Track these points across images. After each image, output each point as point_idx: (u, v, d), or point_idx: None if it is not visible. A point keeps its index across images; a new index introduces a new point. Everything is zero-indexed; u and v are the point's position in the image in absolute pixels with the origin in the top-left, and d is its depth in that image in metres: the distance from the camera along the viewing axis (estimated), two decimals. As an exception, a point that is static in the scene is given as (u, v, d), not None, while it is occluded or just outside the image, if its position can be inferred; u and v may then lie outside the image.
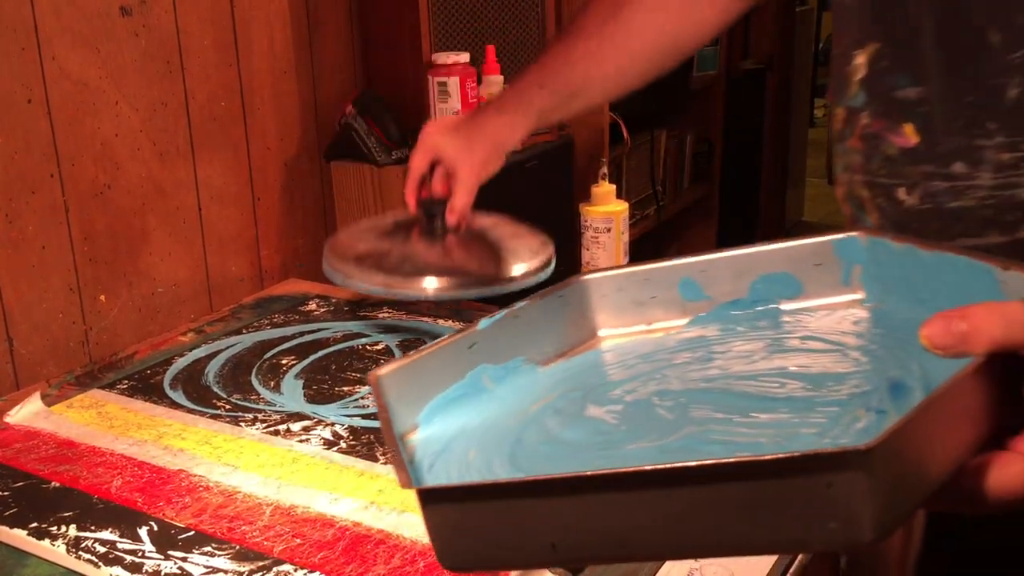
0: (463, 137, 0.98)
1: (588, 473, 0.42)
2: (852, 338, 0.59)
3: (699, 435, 0.52)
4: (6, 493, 0.82)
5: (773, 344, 0.60)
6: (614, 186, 1.29)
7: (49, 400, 1.01)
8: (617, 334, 0.67)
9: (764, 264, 0.63)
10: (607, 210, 1.24)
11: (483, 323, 0.61)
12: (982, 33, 0.59)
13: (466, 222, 1.02)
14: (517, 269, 0.97)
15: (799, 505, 0.38)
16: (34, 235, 1.12)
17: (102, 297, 1.21)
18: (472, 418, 0.59)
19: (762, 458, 0.37)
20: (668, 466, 0.39)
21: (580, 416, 0.58)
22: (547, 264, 0.99)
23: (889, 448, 0.36)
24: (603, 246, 1.23)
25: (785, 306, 0.63)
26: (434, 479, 0.53)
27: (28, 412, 0.98)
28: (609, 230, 1.23)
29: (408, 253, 0.99)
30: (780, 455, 0.37)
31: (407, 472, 0.48)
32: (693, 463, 0.38)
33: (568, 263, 1.62)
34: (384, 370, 0.57)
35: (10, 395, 1.05)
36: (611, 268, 0.67)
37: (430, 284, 0.93)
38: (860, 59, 0.67)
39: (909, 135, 0.64)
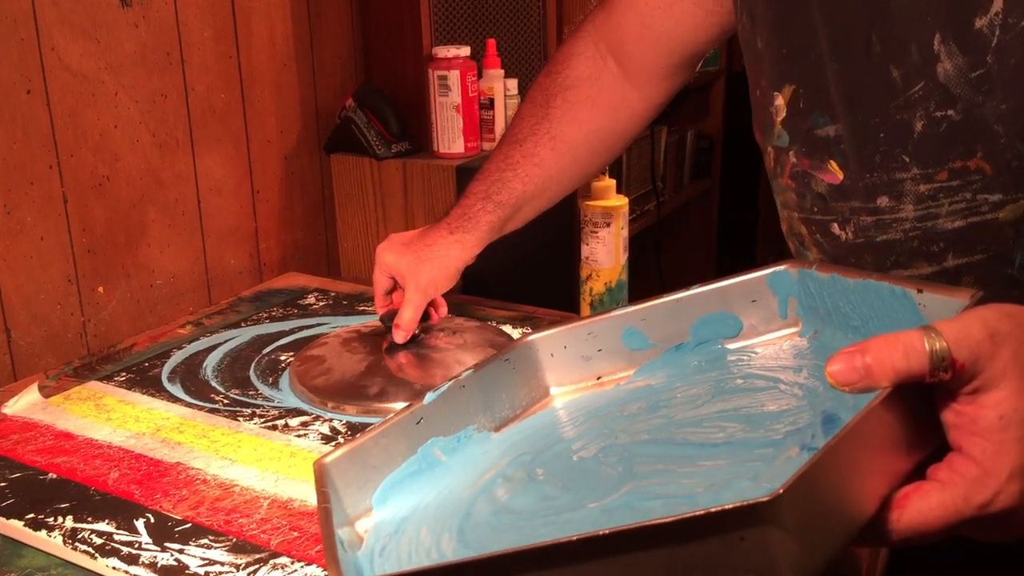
0: (413, 255, 1.00)
1: (501, 553, 0.40)
2: (791, 373, 0.59)
3: (640, 490, 0.52)
4: (3, 484, 0.82)
5: (717, 386, 0.60)
6: (614, 181, 1.28)
7: (47, 391, 1.01)
8: (569, 391, 0.66)
9: (702, 306, 0.63)
10: (607, 205, 1.23)
11: (429, 397, 0.60)
12: (883, 70, 0.60)
13: (429, 330, 1.04)
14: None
15: (716, 561, 0.37)
16: (32, 226, 1.12)
17: (100, 289, 1.21)
18: (427, 494, 0.58)
19: (667, 521, 0.36)
20: (578, 538, 0.38)
21: (529, 482, 0.57)
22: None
23: (795, 495, 0.36)
24: (602, 241, 1.23)
25: (730, 345, 0.64)
26: (384, 563, 0.52)
27: (26, 403, 0.98)
28: (609, 225, 1.22)
29: (369, 370, 1.00)
30: (686, 515, 0.36)
31: (338, 568, 0.46)
32: (604, 531, 0.38)
33: (568, 258, 1.61)
34: (329, 457, 0.55)
35: (8, 386, 1.05)
36: (553, 327, 0.67)
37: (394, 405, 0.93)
38: (779, 101, 0.68)
39: (835, 171, 0.65)
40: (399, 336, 1.01)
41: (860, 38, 0.61)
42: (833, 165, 0.65)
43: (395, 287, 1.04)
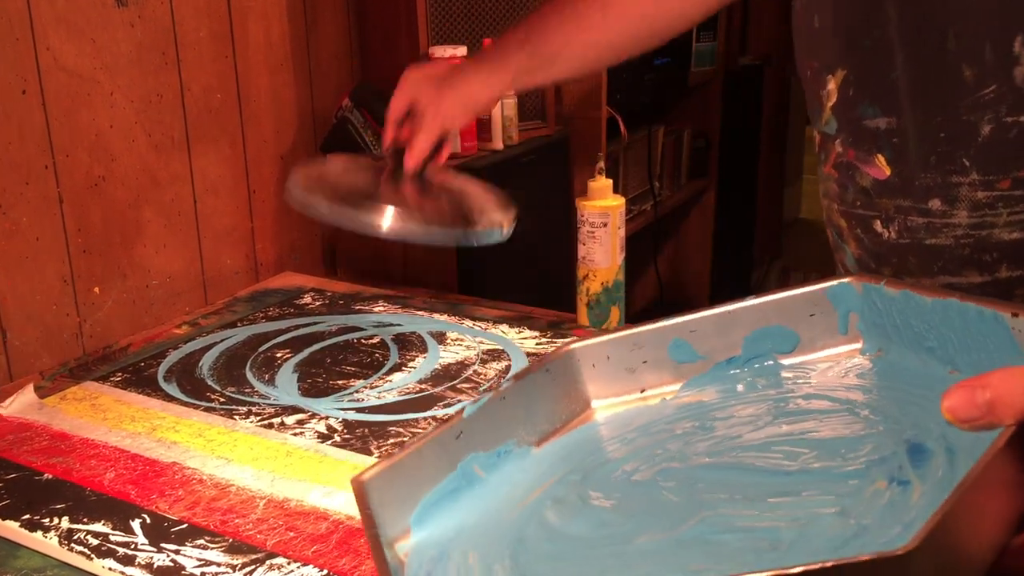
0: (436, 87, 0.97)
1: None
2: (859, 394, 0.56)
3: (712, 521, 0.49)
4: (-2, 485, 0.82)
5: (776, 406, 0.57)
6: (611, 181, 1.28)
7: (43, 392, 1.01)
8: (611, 404, 0.63)
9: (757, 318, 0.60)
10: (603, 205, 1.23)
11: (468, 410, 0.58)
12: (955, 68, 0.58)
13: (432, 170, 1.00)
14: (473, 222, 0.95)
15: None
16: (28, 226, 1.11)
17: (96, 289, 1.21)
18: (468, 514, 0.55)
19: (793, 571, 0.34)
20: None
21: (582, 505, 0.54)
22: (501, 225, 0.96)
23: (927, 547, 0.34)
24: (599, 241, 1.23)
25: (784, 361, 0.60)
26: None
27: (21, 404, 0.98)
28: (605, 225, 1.22)
29: (369, 191, 0.97)
30: (812, 567, 0.34)
31: None
32: None
33: (565, 257, 1.61)
34: (368, 474, 0.52)
35: (3, 387, 1.05)
36: (597, 335, 0.64)
37: (383, 221, 0.90)
38: (831, 84, 0.66)
39: (881, 166, 0.63)
40: (410, 160, 0.97)
41: (936, 31, 0.58)
42: (880, 159, 0.63)
43: (406, 118, 1.01)
